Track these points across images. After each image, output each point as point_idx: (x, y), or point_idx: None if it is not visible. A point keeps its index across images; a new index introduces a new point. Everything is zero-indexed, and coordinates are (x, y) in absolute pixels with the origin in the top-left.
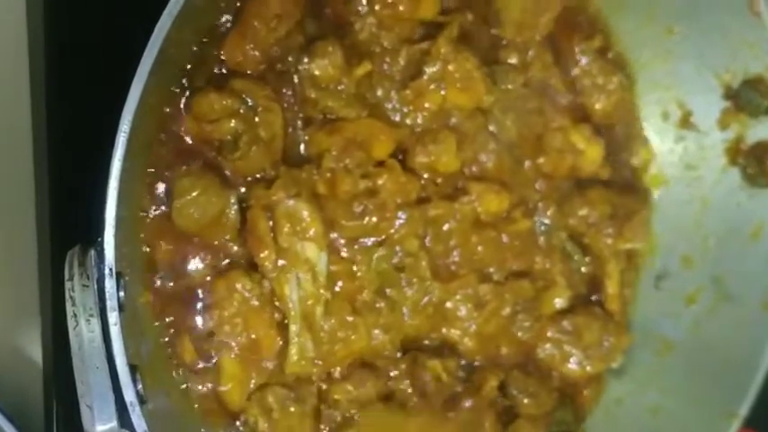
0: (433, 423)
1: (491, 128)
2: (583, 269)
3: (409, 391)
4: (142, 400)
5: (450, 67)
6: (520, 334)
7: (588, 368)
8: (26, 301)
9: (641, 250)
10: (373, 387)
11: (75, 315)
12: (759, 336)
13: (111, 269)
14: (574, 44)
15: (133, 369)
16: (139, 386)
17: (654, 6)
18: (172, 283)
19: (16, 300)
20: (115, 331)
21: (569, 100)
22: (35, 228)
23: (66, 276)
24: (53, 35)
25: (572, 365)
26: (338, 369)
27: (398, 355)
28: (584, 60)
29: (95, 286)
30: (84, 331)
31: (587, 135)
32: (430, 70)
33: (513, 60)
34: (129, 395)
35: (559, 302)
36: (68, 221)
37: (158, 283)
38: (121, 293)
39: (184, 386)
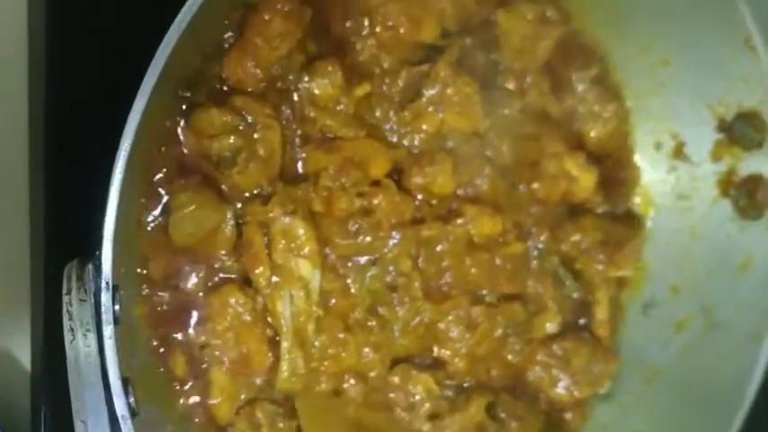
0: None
1: (487, 152)
2: (574, 295)
3: (398, 402)
4: (133, 413)
5: (449, 91)
6: (510, 357)
7: (576, 393)
8: (16, 302)
9: (631, 277)
10: None
11: (72, 329)
12: (746, 366)
13: (107, 283)
14: (571, 72)
15: (125, 382)
16: (131, 399)
17: (651, 38)
18: (166, 296)
19: (5, 300)
20: (109, 344)
21: (565, 127)
22: (29, 230)
23: (65, 290)
24: (53, 46)
25: (560, 390)
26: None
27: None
28: (580, 88)
29: (92, 300)
30: (80, 346)
31: (581, 162)
32: (429, 93)
33: (510, 86)
34: (121, 408)
35: (551, 327)
36: (61, 226)
37: (153, 295)
38: (116, 307)
39: (175, 399)
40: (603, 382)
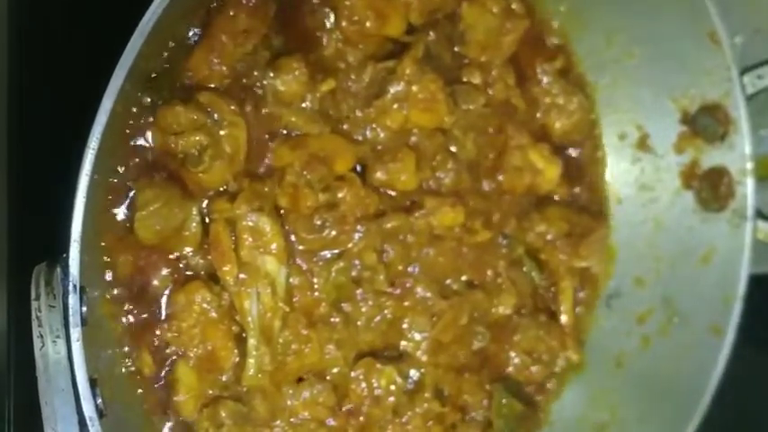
0: None
1: (451, 147)
2: (537, 283)
3: (365, 394)
4: (101, 414)
5: (414, 88)
6: (476, 343)
7: (532, 371)
8: None
9: (596, 269)
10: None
11: (41, 336)
12: (706, 358)
13: (75, 285)
14: (536, 64)
15: (93, 383)
16: (99, 400)
17: (615, 30)
18: (133, 294)
19: None
20: (77, 347)
21: (530, 119)
22: None
23: (33, 296)
24: (15, 45)
25: (520, 370)
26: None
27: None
28: (545, 80)
29: (62, 306)
30: (50, 352)
31: (546, 154)
32: (394, 90)
33: (475, 80)
34: (89, 410)
35: (504, 309)
36: (25, 225)
37: (119, 293)
38: (84, 308)
39: (141, 397)
40: (558, 361)
